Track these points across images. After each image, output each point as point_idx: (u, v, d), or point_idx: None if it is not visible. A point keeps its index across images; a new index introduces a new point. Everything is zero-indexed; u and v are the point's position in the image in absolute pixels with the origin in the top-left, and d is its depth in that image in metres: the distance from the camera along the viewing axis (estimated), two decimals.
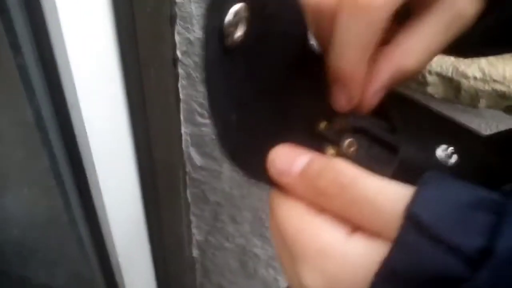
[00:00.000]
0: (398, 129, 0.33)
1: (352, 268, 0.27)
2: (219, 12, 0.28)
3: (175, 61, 0.79)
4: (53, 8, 0.51)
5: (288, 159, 0.31)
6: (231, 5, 0.29)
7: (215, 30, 0.29)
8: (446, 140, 0.33)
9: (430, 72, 0.80)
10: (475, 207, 0.25)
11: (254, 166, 0.32)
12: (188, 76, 0.82)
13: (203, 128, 0.91)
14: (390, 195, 0.27)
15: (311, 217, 0.29)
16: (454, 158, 0.33)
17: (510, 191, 0.32)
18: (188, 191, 0.99)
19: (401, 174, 0.29)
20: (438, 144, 0.33)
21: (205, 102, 0.85)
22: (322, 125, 0.34)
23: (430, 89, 0.80)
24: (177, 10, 0.73)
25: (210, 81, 0.29)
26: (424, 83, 0.81)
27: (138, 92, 0.70)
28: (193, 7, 0.73)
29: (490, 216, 0.25)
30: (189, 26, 0.75)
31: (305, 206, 0.30)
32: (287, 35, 0.34)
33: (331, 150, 0.32)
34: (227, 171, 0.94)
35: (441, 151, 0.33)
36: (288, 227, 0.30)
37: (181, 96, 0.85)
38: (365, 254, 0.27)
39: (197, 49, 0.77)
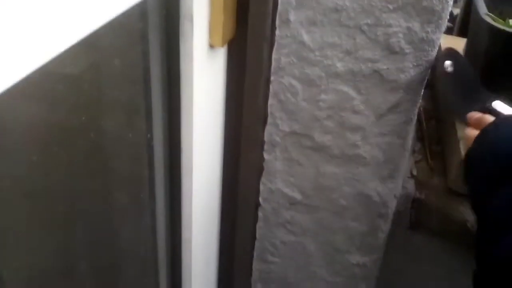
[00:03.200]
0: None
1: None
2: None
3: (257, 205, 0.95)
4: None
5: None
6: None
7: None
8: None
9: None
10: None
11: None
12: (266, 219, 0.96)
13: (271, 266, 1.03)
14: None
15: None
16: None
17: None
18: None
19: None
20: None
21: (276, 242, 0.99)
22: None
23: None
24: (264, 165, 0.90)
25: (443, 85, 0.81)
26: None
27: (229, 230, 0.85)
28: (277, 164, 0.89)
29: None
30: (272, 179, 0.91)
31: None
32: None
33: None
34: None
35: None
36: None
37: (257, 235, 0.99)
38: None
39: (276, 198, 0.93)
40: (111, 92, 0.60)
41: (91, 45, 0.52)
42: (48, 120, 0.53)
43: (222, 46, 0.65)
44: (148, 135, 0.64)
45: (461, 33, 1.46)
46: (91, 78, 0.57)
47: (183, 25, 0.57)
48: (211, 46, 0.65)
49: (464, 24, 1.46)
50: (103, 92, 0.59)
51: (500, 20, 0.96)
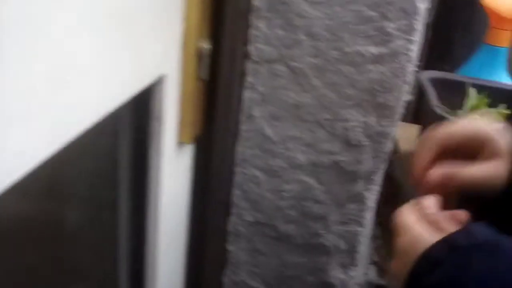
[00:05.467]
0: None
1: None
2: None
3: None
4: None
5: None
6: None
7: None
8: None
9: None
10: None
11: None
12: None
13: None
14: None
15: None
16: None
17: None
18: None
19: None
20: None
21: None
22: None
23: None
24: (228, 257, 0.90)
25: None
26: None
27: None
28: (241, 255, 0.90)
29: None
30: (236, 271, 0.91)
31: None
32: None
33: None
34: None
35: None
36: None
37: None
38: None
39: None
40: (81, 186, 0.61)
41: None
42: (30, 215, 0.54)
43: (190, 143, 0.67)
44: (115, 230, 0.64)
45: (414, 119, 1.53)
46: (63, 172, 0.58)
47: (152, 125, 0.59)
48: (180, 142, 0.67)
49: (416, 111, 1.53)
50: (72, 185, 0.60)
51: (451, 111, 1.02)
